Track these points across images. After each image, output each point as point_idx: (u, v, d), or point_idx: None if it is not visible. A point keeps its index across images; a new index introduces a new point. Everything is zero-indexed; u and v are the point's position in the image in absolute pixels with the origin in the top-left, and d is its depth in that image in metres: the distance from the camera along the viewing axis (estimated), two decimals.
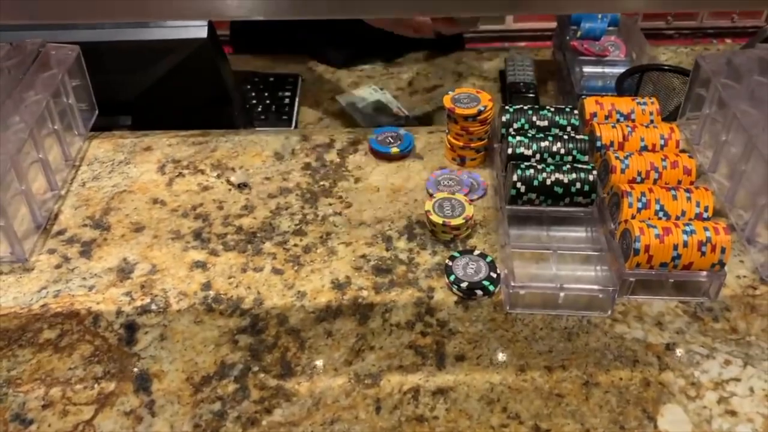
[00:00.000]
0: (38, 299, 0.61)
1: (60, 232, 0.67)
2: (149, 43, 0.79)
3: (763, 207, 0.63)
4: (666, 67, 0.92)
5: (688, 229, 0.58)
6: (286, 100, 1.06)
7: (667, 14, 1.26)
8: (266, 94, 1.07)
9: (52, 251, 0.65)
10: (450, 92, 0.72)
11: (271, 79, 1.10)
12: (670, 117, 0.88)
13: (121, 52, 0.80)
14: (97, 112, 0.79)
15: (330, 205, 0.70)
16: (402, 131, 0.76)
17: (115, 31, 0.78)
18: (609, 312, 0.59)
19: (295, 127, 1.00)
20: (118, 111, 0.84)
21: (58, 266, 0.64)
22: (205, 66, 0.84)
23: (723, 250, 0.57)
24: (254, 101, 1.05)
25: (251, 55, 1.15)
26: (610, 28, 1.02)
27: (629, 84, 0.94)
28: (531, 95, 1.02)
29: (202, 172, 0.74)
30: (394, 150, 0.74)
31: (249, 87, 1.08)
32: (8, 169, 0.61)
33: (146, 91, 0.84)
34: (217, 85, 0.89)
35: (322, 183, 0.73)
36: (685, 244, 0.57)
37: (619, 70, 0.94)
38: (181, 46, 0.81)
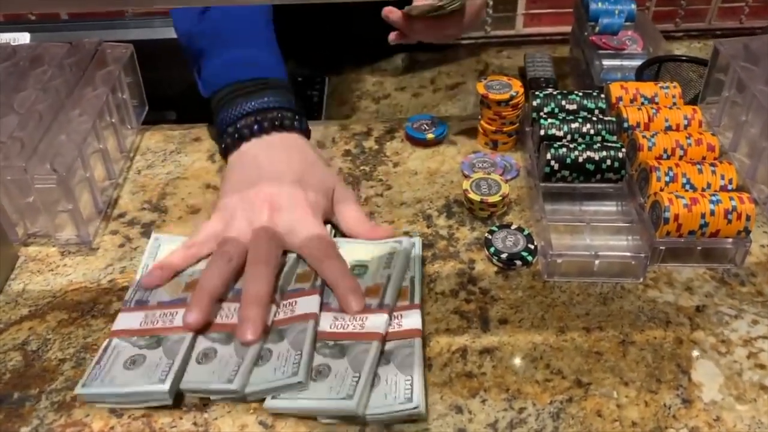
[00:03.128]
0: (105, 275, 0.65)
1: (120, 215, 0.71)
2: None
3: None
4: (684, 58, 0.96)
5: (714, 198, 0.61)
6: (315, 99, 1.11)
7: (676, 16, 1.30)
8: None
9: (114, 232, 0.70)
10: (483, 80, 0.76)
11: (300, 79, 1.14)
12: (688, 105, 0.92)
13: (168, 50, 0.85)
14: (147, 107, 0.84)
15: (371, 187, 0.74)
16: (435, 118, 0.81)
17: (163, 30, 0.83)
18: (641, 278, 0.62)
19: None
20: (165, 106, 0.89)
21: (121, 245, 0.68)
22: None
23: (748, 218, 0.61)
24: None
25: None
26: (627, 24, 1.06)
27: (648, 75, 0.98)
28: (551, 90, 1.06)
29: None
30: (430, 136, 0.79)
31: None
32: (76, 157, 0.66)
33: (190, 88, 0.89)
34: None
35: (362, 168, 0.77)
36: (712, 213, 0.61)
37: (637, 62, 0.98)
38: None
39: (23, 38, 0.90)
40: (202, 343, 0.55)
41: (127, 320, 0.58)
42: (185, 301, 0.58)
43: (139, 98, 0.83)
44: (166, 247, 0.65)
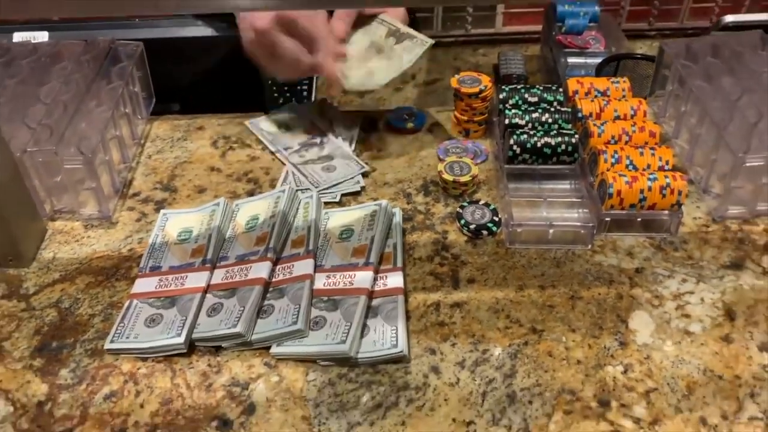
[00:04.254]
0: (125, 245, 0.74)
1: (135, 194, 0.81)
2: (198, 40, 0.94)
3: (713, 162, 0.77)
4: (638, 55, 1.07)
5: (651, 177, 0.72)
6: (305, 86, 1.20)
7: (650, 15, 1.39)
8: (285, 87, 1.21)
9: (131, 209, 0.79)
10: (456, 75, 0.86)
11: None
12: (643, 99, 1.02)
13: (174, 48, 0.94)
14: (154, 99, 0.93)
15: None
16: (415, 109, 0.91)
17: (170, 29, 0.92)
18: (589, 245, 0.73)
19: None
20: (170, 99, 0.98)
21: (138, 220, 0.77)
22: (244, 59, 0.98)
23: (680, 193, 0.71)
24: (274, 87, 1.19)
25: None
26: (591, 24, 1.16)
27: (607, 72, 1.08)
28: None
29: (249, 146, 0.88)
30: (410, 125, 0.88)
31: (270, 81, 1.22)
32: (98, 141, 0.75)
33: (193, 81, 0.98)
34: (252, 75, 1.03)
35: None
36: (650, 189, 0.71)
37: (599, 60, 1.09)
38: (225, 42, 0.95)
39: (42, 36, 0.99)
40: (210, 299, 0.65)
41: (144, 285, 0.67)
42: (193, 265, 0.68)
43: (148, 91, 0.92)
44: (172, 220, 0.74)
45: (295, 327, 0.61)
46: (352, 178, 0.81)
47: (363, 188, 0.80)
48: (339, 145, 0.86)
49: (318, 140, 0.87)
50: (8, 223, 0.69)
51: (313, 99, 1.18)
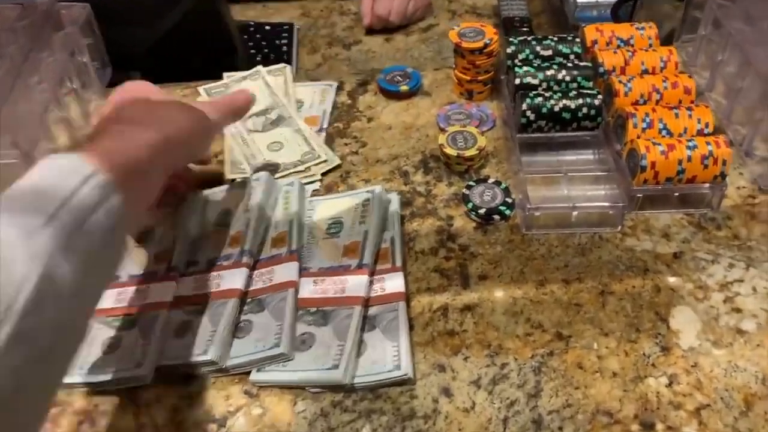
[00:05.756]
0: None
1: None
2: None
3: (760, 121, 0.66)
4: None
5: (690, 144, 0.61)
6: (284, 48, 1.07)
7: None
8: (264, 43, 1.08)
9: None
10: (455, 27, 0.74)
11: (267, 27, 1.11)
12: (664, 42, 0.90)
13: (127, 5, 0.81)
14: (110, 69, 0.81)
15: (346, 145, 0.73)
16: (409, 69, 0.79)
17: None
18: (619, 227, 0.63)
19: (295, 73, 1.02)
20: (128, 66, 0.86)
21: None
22: (209, 16, 0.85)
23: (724, 162, 0.61)
24: (253, 51, 1.07)
25: (241, 3, 1.15)
26: None
27: (624, 12, 0.96)
28: (525, 29, 1.04)
29: None
30: (403, 88, 0.77)
31: (246, 37, 1.09)
32: (37, 128, 0.64)
33: (154, 45, 0.86)
34: (222, 35, 0.91)
35: (336, 124, 0.75)
36: (689, 159, 0.61)
37: None
38: None
39: None
40: (177, 316, 0.55)
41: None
42: (157, 275, 0.57)
43: (101, 60, 0.80)
44: None
45: (277, 350, 0.51)
46: (302, 167, 0.69)
47: (320, 182, 0.69)
48: (292, 114, 0.74)
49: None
50: None
51: (294, 57, 1.05)
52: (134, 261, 0.59)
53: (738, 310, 0.56)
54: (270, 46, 1.08)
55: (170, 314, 0.55)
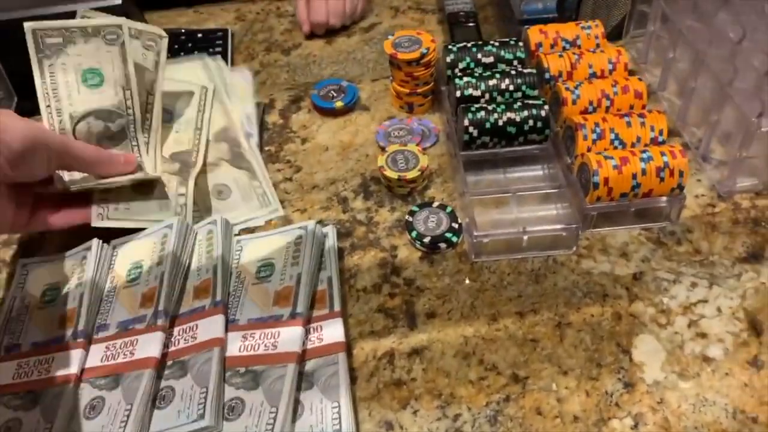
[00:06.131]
0: None
1: None
2: (58, 17, 0.73)
3: (716, 123, 0.62)
4: None
5: (645, 156, 0.57)
6: (218, 41, 1.00)
7: None
8: (196, 52, 1.01)
9: None
10: (390, 37, 0.68)
11: (200, 35, 1.04)
12: (613, 34, 0.86)
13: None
14: (16, 99, 0.74)
15: (279, 171, 0.67)
16: (344, 83, 0.73)
17: (15, 10, 0.72)
18: (574, 248, 0.58)
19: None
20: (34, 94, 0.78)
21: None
22: None
23: (681, 174, 0.57)
24: (176, 46, 1.00)
25: (172, 9, 1.08)
26: None
27: (570, 2, 0.91)
28: (472, 24, 0.99)
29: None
30: (339, 104, 0.71)
31: (177, 47, 1.02)
32: None
33: None
34: None
35: (267, 148, 0.69)
36: (644, 172, 0.56)
37: None
38: None
39: None
40: (87, 392, 0.48)
41: None
42: (62, 341, 0.51)
43: (5, 90, 0.73)
44: (34, 272, 0.57)
45: (202, 423, 0.45)
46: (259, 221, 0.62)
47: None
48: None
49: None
50: None
51: (229, 63, 0.98)
52: (37, 325, 0.53)
53: (703, 335, 0.53)
54: (205, 53, 1.01)
55: (78, 389, 0.48)
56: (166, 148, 0.63)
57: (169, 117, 0.64)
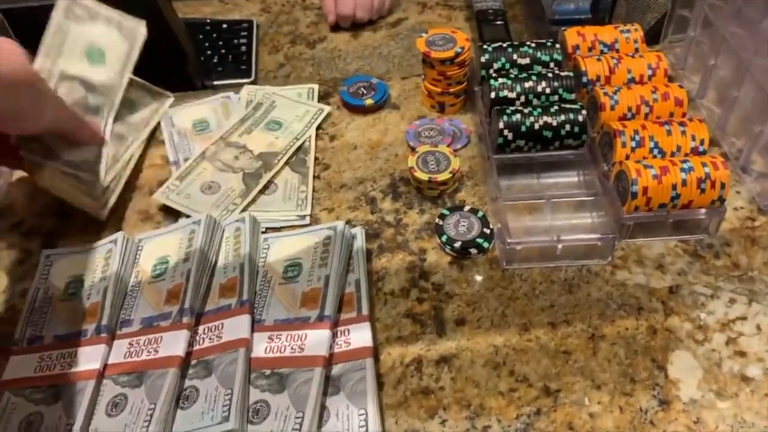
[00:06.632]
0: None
1: (17, 224, 0.62)
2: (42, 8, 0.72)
3: (758, 134, 0.60)
4: None
5: (686, 166, 0.55)
6: (243, 48, 0.99)
7: None
8: (221, 43, 1.00)
9: (12, 246, 0.60)
10: (423, 34, 0.67)
11: (225, 25, 1.02)
12: (647, 36, 0.84)
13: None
14: None
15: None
16: (374, 80, 0.72)
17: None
18: (609, 259, 0.57)
19: (255, 76, 0.94)
20: None
21: (21, 262, 0.59)
22: (153, 20, 0.77)
23: (723, 186, 0.55)
24: (209, 52, 0.99)
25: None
26: None
27: (604, 3, 0.89)
28: (500, 22, 0.97)
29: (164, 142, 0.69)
30: (368, 101, 0.70)
31: (201, 37, 1.01)
32: None
33: None
34: (169, 39, 0.83)
35: None
36: (684, 183, 0.55)
37: None
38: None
39: None
40: (110, 389, 0.47)
41: (20, 366, 0.49)
42: (85, 335, 0.50)
43: None
44: (58, 263, 0.56)
45: (226, 426, 0.44)
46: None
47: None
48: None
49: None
50: None
51: (253, 65, 0.97)
52: (60, 318, 0.52)
53: (742, 354, 0.51)
54: (228, 47, 0.99)
55: (101, 385, 0.48)
56: (257, 147, 0.65)
57: (278, 126, 0.68)
